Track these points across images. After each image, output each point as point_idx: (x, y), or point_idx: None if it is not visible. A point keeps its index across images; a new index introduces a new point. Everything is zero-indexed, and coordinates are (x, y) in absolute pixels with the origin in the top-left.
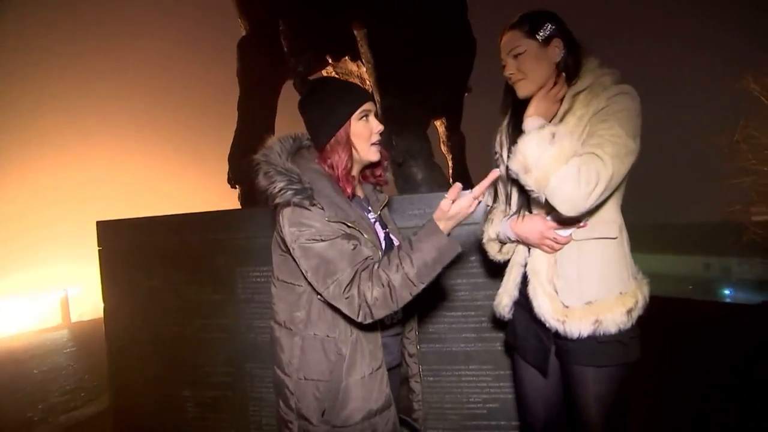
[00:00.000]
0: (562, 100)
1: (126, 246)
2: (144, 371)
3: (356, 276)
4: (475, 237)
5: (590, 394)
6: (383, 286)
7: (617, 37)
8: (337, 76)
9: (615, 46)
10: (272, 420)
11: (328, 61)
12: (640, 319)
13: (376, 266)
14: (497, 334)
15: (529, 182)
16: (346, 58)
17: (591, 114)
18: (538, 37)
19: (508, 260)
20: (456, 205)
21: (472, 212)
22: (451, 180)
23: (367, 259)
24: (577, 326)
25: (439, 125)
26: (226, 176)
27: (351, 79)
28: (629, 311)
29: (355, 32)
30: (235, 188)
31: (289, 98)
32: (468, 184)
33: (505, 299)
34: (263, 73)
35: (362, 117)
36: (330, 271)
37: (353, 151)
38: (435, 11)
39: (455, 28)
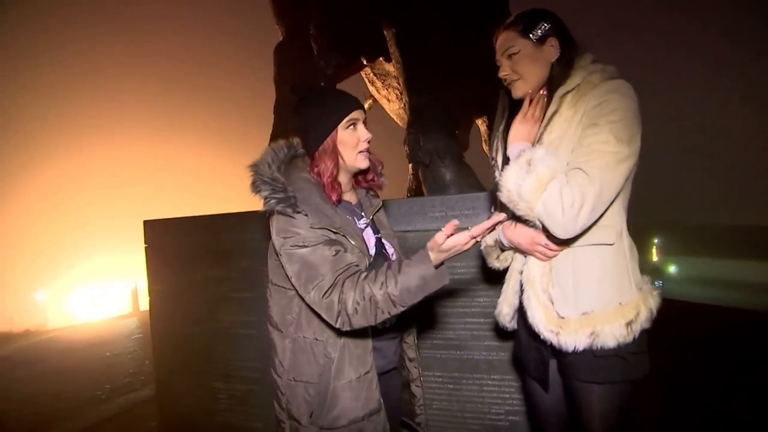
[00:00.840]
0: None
1: (169, 244)
2: (182, 362)
3: (337, 282)
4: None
5: (591, 411)
6: (365, 299)
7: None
8: (374, 77)
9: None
10: None
11: (363, 62)
12: (647, 333)
13: (361, 277)
14: (495, 343)
15: (521, 213)
16: (381, 59)
17: (580, 115)
18: (532, 36)
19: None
20: (451, 240)
21: (467, 250)
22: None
23: (349, 265)
24: (572, 338)
25: (481, 123)
26: None
27: (388, 81)
28: (629, 324)
29: (385, 33)
30: None
31: None
32: None
33: (505, 308)
34: (298, 78)
35: (349, 126)
36: (311, 276)
37: (339, 159)
38: (472, 6)
39: (496, 22)
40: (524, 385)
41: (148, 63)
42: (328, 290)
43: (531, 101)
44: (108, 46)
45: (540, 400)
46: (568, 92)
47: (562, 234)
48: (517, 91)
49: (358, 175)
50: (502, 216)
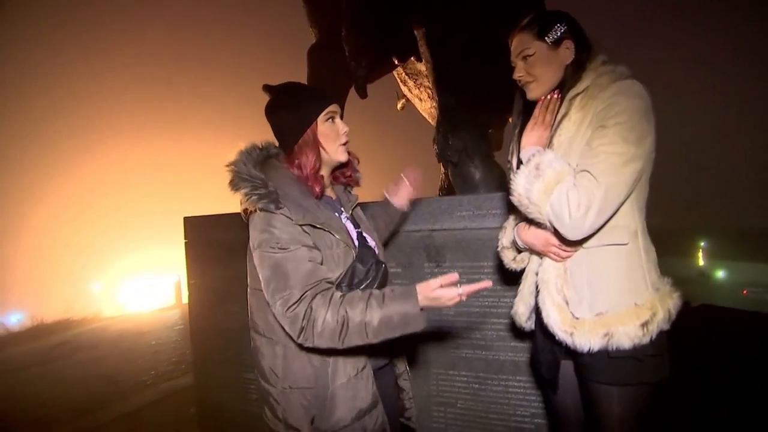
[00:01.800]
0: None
1: (207, 240)
2: (217, 354)
3: (305, 297)
4: None
5: (608, 413)
6: (338, 321)
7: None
8: (406, 76)
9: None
10: None
11: (394, 62)
12: (667, 335)
13: (336, 296)
14: (518, 344)
15: (532, 216)
16: (412, 58)
17: (590, 118)
18: (547, 39)
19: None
20: (441, 291)
21: (450, 305)
22: None
23: (321, 281)
24: (586, 339)
25: None
26: None
27: (420, 80)
28: (644, 324)
29: (415, 32)
30: None
31: (356, 101)
32: None
33: (521, 308)
34: (330, 79)
35: (328, 118)
36: (279, 287)
37: (321, 151)
38: (503, 4)
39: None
40: (543, 390)
41: (186, 64)
42: (294, 304)
43: (544, 105)
44: (143, 48)
45: (558, 402)
46: (577, 95)
47: (571, 236)
48: (532, 93)
49: (336, 171)
50: (489, 283)
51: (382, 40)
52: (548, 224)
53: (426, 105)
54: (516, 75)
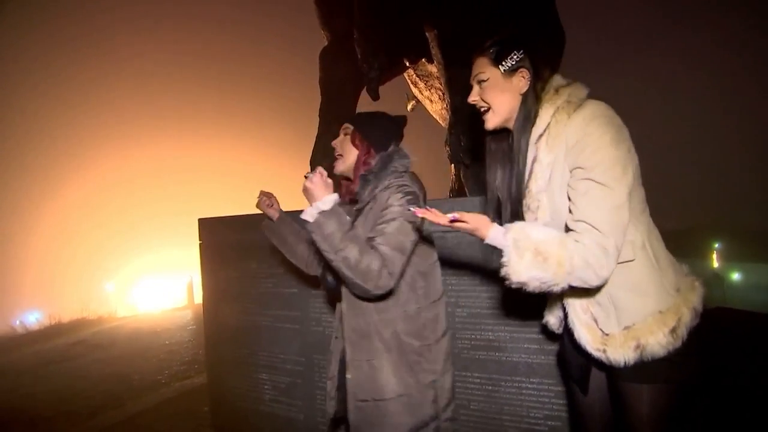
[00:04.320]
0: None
1: (221, 241)
2: (231, 353)
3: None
4: None
5: (634, 412)
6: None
7: None
8: (417, 78)
9: None
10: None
11: (405, 64)
12: (696, 334)
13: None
14: (547, 346)
15: (555, 290)
16: (423, 60)
17: (562, 156)
18: (501, 67)
19: None
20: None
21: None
22: None
23: None
24: (620, 353)
25: None
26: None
27: (430, 81)
28: (673, 330)
29: (427, 34)
30: None
31: (367, 103)
32: None
33: (551, 319)
34: (342, 82)
35: None
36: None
37: None
38: (513, 7)
39: (539, 20)
40: (567, 388)
41: (203, 68)
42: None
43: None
44: (158, 50)
45: (583, 403)
46: (541, 135)
47: (601, 284)
48: (488, 123)
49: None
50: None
51: (394, 43)
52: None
53: (437, 106)
54: (470, 99)
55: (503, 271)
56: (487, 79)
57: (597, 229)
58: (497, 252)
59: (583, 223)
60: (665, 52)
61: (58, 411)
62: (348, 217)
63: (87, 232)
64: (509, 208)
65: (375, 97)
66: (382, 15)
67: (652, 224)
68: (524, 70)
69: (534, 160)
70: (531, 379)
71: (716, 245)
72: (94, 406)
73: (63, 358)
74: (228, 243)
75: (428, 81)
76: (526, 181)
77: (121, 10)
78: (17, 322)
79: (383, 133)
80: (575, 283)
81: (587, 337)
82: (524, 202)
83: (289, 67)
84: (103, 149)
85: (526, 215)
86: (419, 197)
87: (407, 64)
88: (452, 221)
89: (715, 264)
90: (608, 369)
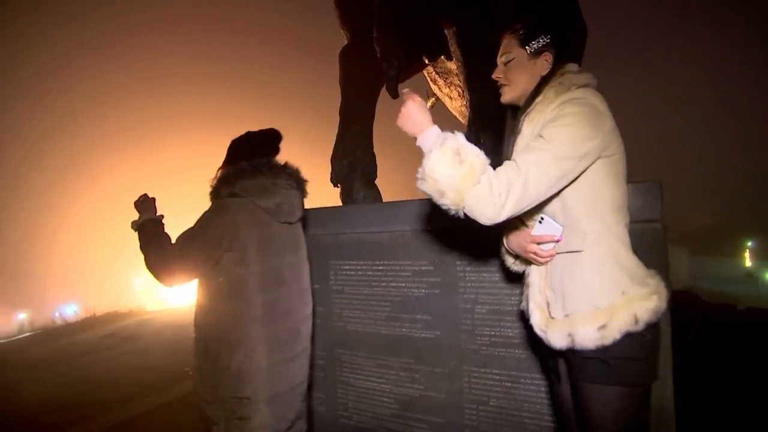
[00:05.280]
0: None
1: None
2: None
3: None
4: None
5: (580, 407)
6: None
7: None
8: (437, 75)
9: None
10: (358, 404)
11: (425, 62)
12: (638, 338)
13: None
14: None
15: (446, 204)
16: (443, 57)
17: (538, 130)
18: (528, 48)
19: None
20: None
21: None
22: None
23: None
24: (556, 337)
25: None
26: (330, 176)
27: (450, 78)
28: (602, 327)
29: (446, 31)
30: (337, 187)
31: (387, 101)
32: None
33: (523, 304)
34: (362, 80)
35: None
36: None
37: None
38: (533, 2)
39: (559, 14)
40: (547, 376)
41: (225, 68)
42: None
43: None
44: (182, 50)
45: (560, 392)
46: (530, 111)
47: (487, 222)
48: (505, 96)
49: None
50: None
51: (413, 41)
52: (460, 212)
53: (456, 104)
54: (494, 75)
55: (421, 170)
56: (513, 58)
57: (517, 166)
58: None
59: (511, 161)
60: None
61: (94, 398)
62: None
63: (117, 228)
64: None
65: (394, 95)
66: (401, 13)
67: (620, 226)
68: (548, 54)
69: (518, 134)
70: (551, 376)
71: (749, 243)
72: (126, 395)
73: (97, 349)
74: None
75: (447, 78)
76: (510, 152)
77: (145, 12)
78: (57, 315)
79: None
80: (470, 209)
81: (537, 317)
82: None
83: (309, 66)
84: (134, 146)
85: None
86: None
87: (426, 61)
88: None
89: (748, 263)
90: (566, 363)
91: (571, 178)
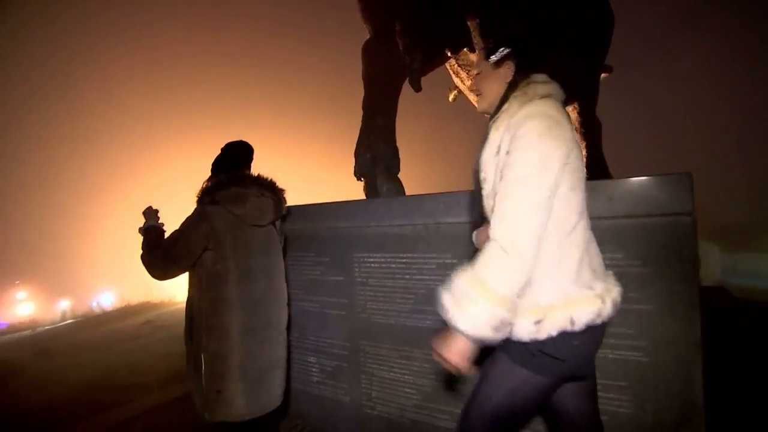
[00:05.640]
0: None
1: None
2: None
3: None
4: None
5: (484, 370)
6: None
7: None
8: (459, 68)
9: None
10: (382, 394)
11: (447, 54)
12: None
13: None
14: (609, 341)
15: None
16: (466, 49)
17: (501, 140)
18: (491, 59)
19: None
20: None
21: None
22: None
23: None
24: None
25: (571, 111)
26: (353, 169)
27: (472, 71)
28: (537, 323)
29: (469, 23)
30: (360, 180)
31: (409, 95)
32: (604, 174)
33: None
34: (385, 74)
35: None
36: None
37: None
38: None
39: (586, 3)
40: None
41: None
42: None
43: None
44: (211, 49)
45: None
46: (496, 118)
47: (530, 260)
48: (479, 106)
49: None
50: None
51: (436, 33)
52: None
53: None
54: (469, 87)
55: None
56: (479, 71)
57: (505, 221)
58: None
59: (499, 219)
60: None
61: (134, 382)
62: None
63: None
64: (475, 180)
65: (417, 88)
66: (423, 6)
67: (577, 229)
68: (509, 62)
69: (485, 140)
70: None
71: None
72: (163, 380)
73: (134, 336)
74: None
75: (470, 71)
76: (478, 155)
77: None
78: (95, 304)
79: None
80: (515, 281)
81: None
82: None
83: (335, 61)
84: (170, 145)
85: (482, 185)
86: None
87: (449, 54)
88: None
89: None
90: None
91: (554, 192)
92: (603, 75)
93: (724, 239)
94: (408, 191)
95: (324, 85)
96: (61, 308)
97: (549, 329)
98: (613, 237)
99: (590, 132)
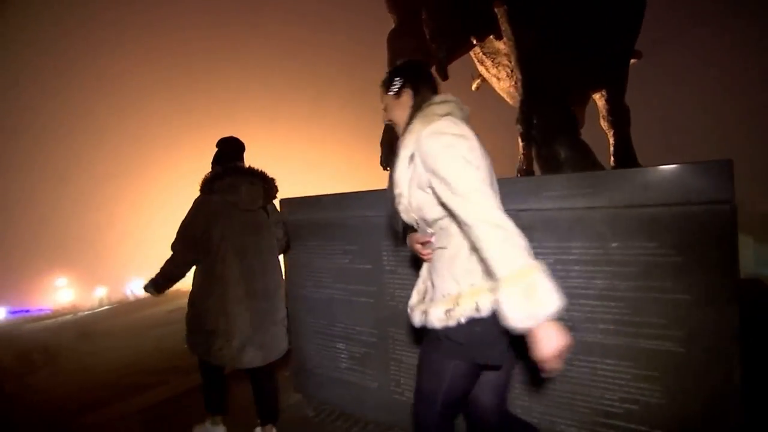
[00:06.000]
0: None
1: (302, 219)
2: (311, 323)
3: None
4: (620, 221)
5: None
6: None
7: None
8: (484, 56)
9: None
10: (410, 380)
11: (473, 42)
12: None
13: None
14: (641, 330)
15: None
16: (492, 37)
17: (411, 157)
18: (390, 92)
19: None
20: None
21: None
22: (611, 158)
23: None
24: (416, 315)
25: (599, 98)
26: (379, 160)
27: (498, 59)
28: (448, 312)
29: (496, 10)
30: (386, 170)
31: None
32: (632, 163)
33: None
34: None
35: None
36: None
37: None
38: None
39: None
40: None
41: (281, 57)
42: None
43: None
44: (240, 45)
45: None
46: (403, 138)
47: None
48: (398, 133)
49: None
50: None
51: (462, 21)
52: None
53: (504, 84)
54: (383, 119)
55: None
56: (385, 105)
57: (476, 217)
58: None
59: (470, 218)
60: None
61: (169, 365)
62: None
63: (177, 211)
64: (390, 199)
65: (444, 77)
66: None
67: None
68: (406, 90)
69: (398, 157)
70: (606, 360)
71: None
72: (196, 364)
73: (166, 322)
74: (308, 221)
75: (495, 58)
76: (391, 172)
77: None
78: (129, 291)
79: None
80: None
81: (413, 299)
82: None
83: (358, 53)
84: (200, 134)
85: (398, 200)
86: None
87: (474, 42)
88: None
89: None
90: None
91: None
92: (632, 60)
93: (759, 230)
94: None
95: (346, 76)
96: (99, 295)
97: (458, 316)
98: (648, 226)
99: (618, 120)
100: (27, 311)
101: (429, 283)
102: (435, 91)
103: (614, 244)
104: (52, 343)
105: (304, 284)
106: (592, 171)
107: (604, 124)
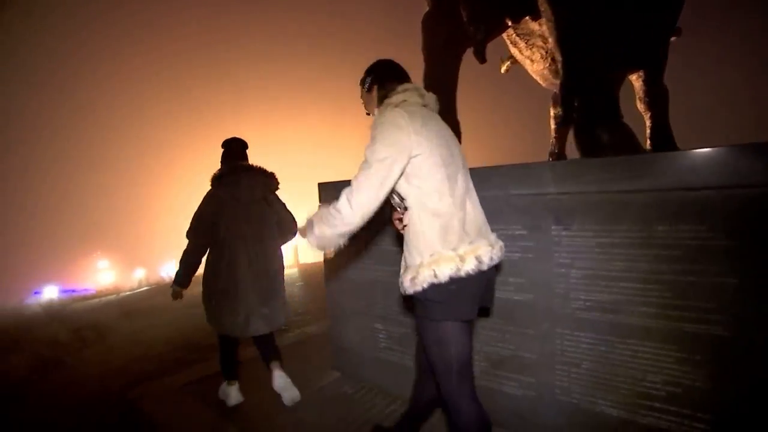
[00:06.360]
0: None
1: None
2: (350, 304)
3: None
4: (667, 204)
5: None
6: None
7: None
8: (517, 37)
9: None
10: None
11: (507, 24)
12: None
13: None
14: (685, 313)
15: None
16: (527, 18)
17: None
18: (363, 88)
19: None
20: None
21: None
22: (648, 141)
23: None
24: (400, 283)
25: (635, 79)
26: None
27: (532, 40)
28: (412, 279)
29: None
30: None
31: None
32: (670, 145)
33: None
34: (445, 47)
35: None
36: None
37: None
38: None
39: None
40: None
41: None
42: None
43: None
44: (268, 38)
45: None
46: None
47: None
48: None
49: None
50: None
51: (500, 2)
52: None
53: (538, 66)
54: (365, 112)
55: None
56: (363, 99)
57: (351, 185)
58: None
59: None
60: None
61: (208, 343)
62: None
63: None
64: None
65: (482, 60)
66: None
67: (442, 203)
68: (374, 85)
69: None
70: (647, 343)
71: None
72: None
73: (197, 304)
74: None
75: (529, 40)
76: None
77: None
78: (165, 273)
79: None
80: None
81: (401, 269)
82: None
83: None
84: (233, 121)
85: None
86: None
87: (509, 23)
88: None
89: None
90: None
91: (393, 177)
92: (672, 38)
93: None
94: (473, 164)
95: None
96: (138, 276)
97: (421, 282)
98: (696, 209)
99: (655, 101)
100: (74, 291)
101: (405, 252)
102: (401, 82)
103: (660, 227)
104: (100, 321)
105: (344, 266)
106: (636, 153)
107: (640, 106)
